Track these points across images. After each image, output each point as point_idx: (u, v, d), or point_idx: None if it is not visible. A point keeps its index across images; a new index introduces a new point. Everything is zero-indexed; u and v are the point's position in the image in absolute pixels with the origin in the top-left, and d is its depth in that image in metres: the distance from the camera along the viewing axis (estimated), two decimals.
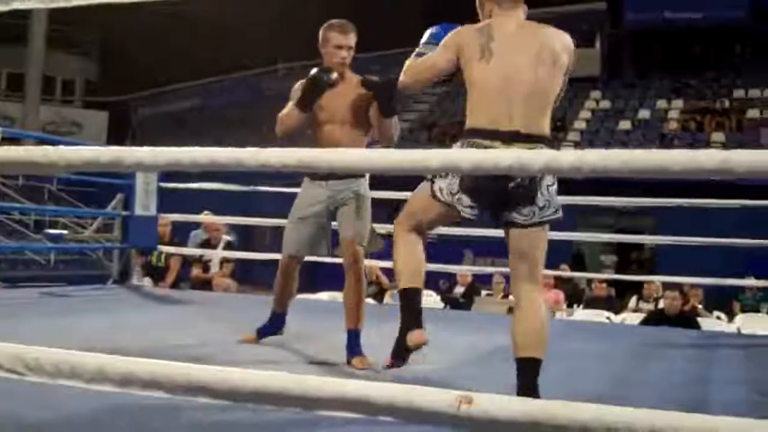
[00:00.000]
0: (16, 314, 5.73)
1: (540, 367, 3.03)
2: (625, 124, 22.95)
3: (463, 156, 1.38)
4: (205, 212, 9.24)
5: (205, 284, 9.31)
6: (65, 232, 11.06)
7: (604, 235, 13.27)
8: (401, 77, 3.39)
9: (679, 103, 23.25)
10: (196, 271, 9.58)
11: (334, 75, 4.09)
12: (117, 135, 26.62)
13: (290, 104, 4.25)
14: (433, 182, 3.19)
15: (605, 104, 24.48)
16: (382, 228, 4.62)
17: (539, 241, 3.15)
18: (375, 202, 4.45)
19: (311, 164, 1.52)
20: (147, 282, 8.95)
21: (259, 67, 27.19)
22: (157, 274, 9.36)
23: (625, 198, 7.72)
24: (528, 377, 2.99)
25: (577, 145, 22.34)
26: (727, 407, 3.56)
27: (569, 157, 1.30)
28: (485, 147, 3.03)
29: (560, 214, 3.18)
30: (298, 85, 4.30)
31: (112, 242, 8.78)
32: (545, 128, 3.19)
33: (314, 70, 4.09)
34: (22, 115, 25.39)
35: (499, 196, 3.07)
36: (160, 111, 28.81)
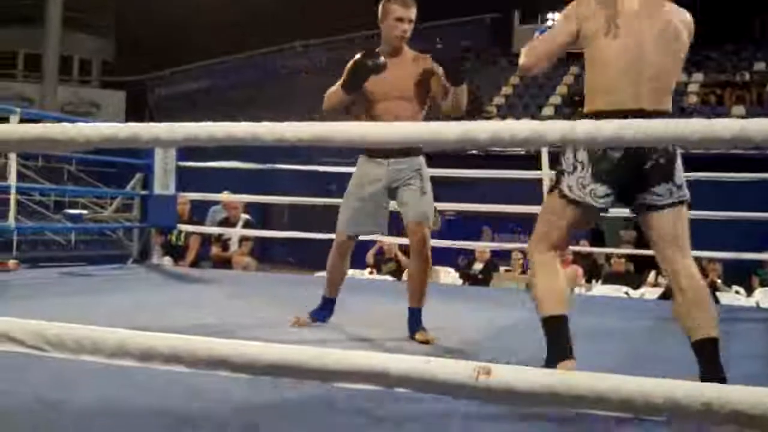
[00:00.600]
0: (36, 294, 5.79)
1: (718, 345, 2.89)
2: None
3: (478, 127, 1.38)
4: (225, 191, 9.27)
5: (225, 263, 9.35)
6: (85, 212, 11.13)
7: (623, 210, 13.22)
8: (521, 60, 3.17)
9: (699, 77, 23.08)
10: (215, 250, 9.62)
11: (381, 59, 4.04)
12: (134, 115, 26.67)
13: (338, 83, 4.21)
14: (559, 184, 3.03)
15: None
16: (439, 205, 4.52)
17: (679, 220, 2.99)
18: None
19: (326, 138, 1.52)
20: (167, 261, 9.00)
21: (274, 45, 27.15)
22: (176, 253, 9.40)
23: None
24: (707, 359, 2.86)
25: None
26: (744, 379, 3.55)
27: (586, 126, 1.30)
28: None
29: (688, 197, 3.02)
30: (351, 62, 4.17)
31: (131, 222, 8.83)
32: (669, 106, 3.03)
33: (359, 54, 4.07)
34: (40, 96, 25.45)
35: (634, 176, 2.92)
36: (176, 91, 28.84)
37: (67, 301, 5.33)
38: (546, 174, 7.10)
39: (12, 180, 7.15)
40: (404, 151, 4.20)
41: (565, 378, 1.28)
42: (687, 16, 3.08)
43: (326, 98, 4.27)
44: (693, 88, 22.68)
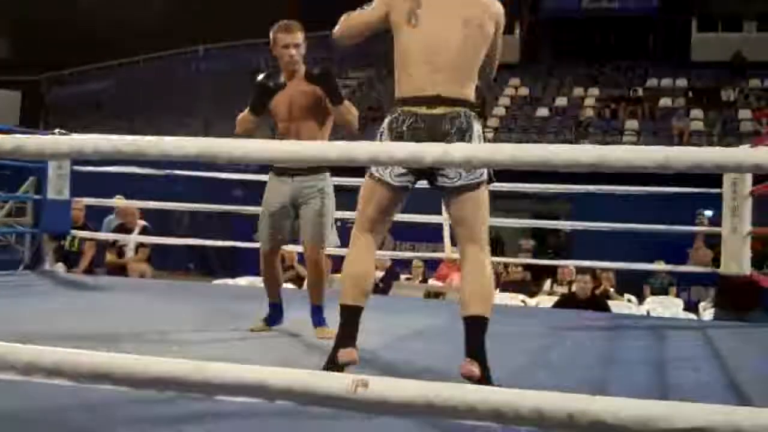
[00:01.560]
0: None
1: (487, 324, 3.11)
2: (542, 111, 23.28)
3: (359, 147, 1.42)
4: (118, 196, 9.14)
5: (120, 270, 9.21)
6: None
7: (520, 220, 13.45)
8: (335, 29, 3.40)
9: (595, 91, 23.67)
10: (110, 257, 9.47)
11: (281, 79, 4.31)
12: (30, 116, 26.00)
13: (246, 110, 4.43)
14: (370, 167, 3.19)
15: (524, 91, 24.79)
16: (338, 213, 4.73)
17: (474, 202, 3.17)
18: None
19: (211, 154, 1.55)
20: (60, 267, 8.81)
21: (176, 48, 26.87)
22: (70, 259, 9.22)
23: (542, 184, 7.88)
24: (474, 335, 3.09)
25: (497, 131, 22.60)
26: (630, 386, 3.68)
27: (461, 152, 1.35)
28: (412, 113, 3.12)
29: (485, 177, 3.17)
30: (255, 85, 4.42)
31: (23, 226, 8.63)
32: (469, 93, 3.20)
33: (261, 76, 4.34)
34: None
35: None
36: (75, 92, 28.22)
37: None
38: None
39: None
40: (308, 169, 4.41)
41: (439, 389, 1.33)
42: (497, 8, 3.28)
43: (238, 123, 4.46)
44: (589, 102, 23.25)
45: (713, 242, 9.06)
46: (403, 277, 11.24)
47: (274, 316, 4.79)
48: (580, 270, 9.35)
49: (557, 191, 9.74)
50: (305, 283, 10.64)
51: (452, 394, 1.33)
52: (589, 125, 21.77)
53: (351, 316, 3.18)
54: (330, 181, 4.55)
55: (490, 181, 3.22)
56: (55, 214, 7.86)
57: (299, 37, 4.43)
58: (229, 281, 9.73)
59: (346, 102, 4.34)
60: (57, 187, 7.74)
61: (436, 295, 9.38)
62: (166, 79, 25.63)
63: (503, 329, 5.60)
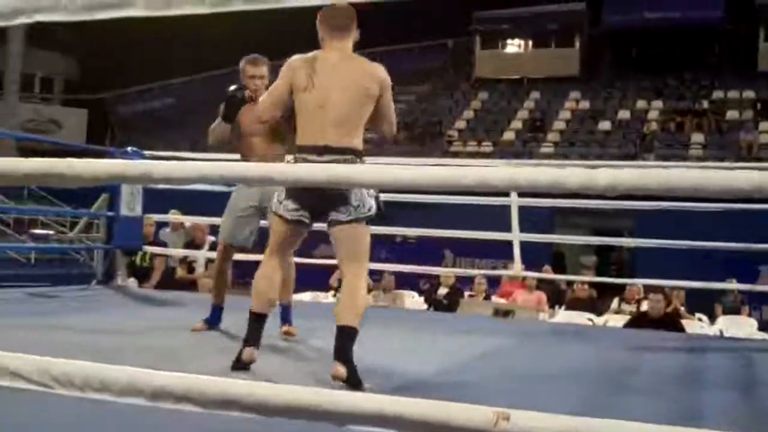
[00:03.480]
0: (7, 314, 5.71)
1: (354, 335, 3.61)
2: (604, 125, 23.06)
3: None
4: (173, 211, 9.22)
5: (190, 285, 9.27)
6: (51, 232, 11.01)
7: (584, 237, 13.35)
8: (257, 108, 4.11)
9: (658, 104, 23.40)
10: (180, 272, 9.55)
11: (247, 92, 4.99)
12: (96, 133, 26.47)
13: (218, 119, 5.11)
14: (278, 209, 3.83)
15: (584, 104, 24.58)
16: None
17: (357, 234, 3.74)
18: None
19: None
20: (132, 282, 8.90)
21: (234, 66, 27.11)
22: (141, 274, 9.31)
23: (606, 201, 7.75)
24: (344, 342, 3.57)
25: (557, 145, 22.45)
26: (721, 410, 3.60)
27: (605, 179, 1.32)
28: (306, 160, 3.69)
29: (373, 212, 3.75)
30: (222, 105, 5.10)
31: (96, 242, 8.73)
32: (355, 143, 3.76)
33: (231, 88, 5.07)
34: (1, 113, 25.20)
35: (320, 198, 3.69)
36: (138, 109, 28.67)
37: (39, 322, 5.25)
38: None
39: None
40: None
41: (588, 424, 1.29)
42: (378, 71, 3.83)
43: (210, 133, 5.17)
44: (653, 115, 22.96)
45: None
46: (467, 293, 11.18)
47: (215, 316, 5.32)
48: (651, 288, 9.21)
49: (619, 207, 9.57)
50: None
51: (602, 428, 1.29)
52: (653, 139, 21.50)
53: (257, 321, 3.84)
54: None
55: (377, 216, 3.81)
56: (128, 231, 7.94)
57: (264, 69, 5.09)
58: (295, 296, 9.74)
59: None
60: (129, 204, 7.82)
61: (504, 313, 9.30)
62: (224, 96, 25.88)
63: (579, 349, 5.58)
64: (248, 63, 5.14)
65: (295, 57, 3.86)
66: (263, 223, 5.06)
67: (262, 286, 3.88)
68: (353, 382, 3.49)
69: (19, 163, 1.71)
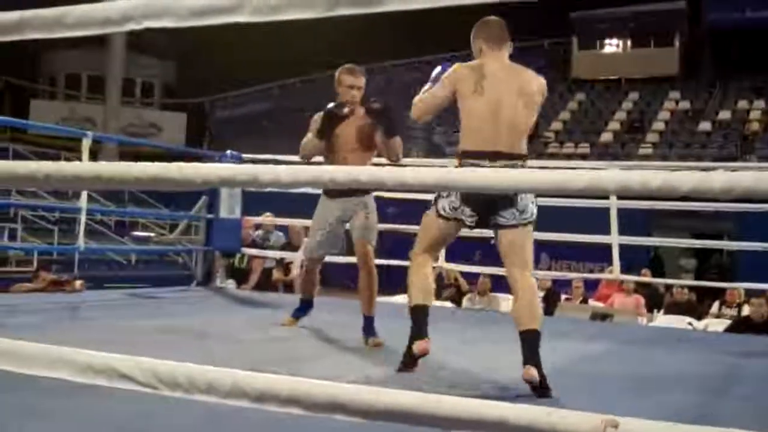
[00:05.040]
0: (107, 316, 5.86)
1: (539, 337, 3.68)
2: (705, 126, 22.53)
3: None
4: (267, 214, 9.31)
5: (287, 286, 9.39)
6: (152, 234, 11.26)
7: (685, 240, 13.07)
8: (412, 112, 4.13)
9: (760, 104, 22.76)
10: (277, 274, 9.67)
11: (347, 109, 4.94)
12: (195, 136, 26.99)
13: (309, 134, 5.12)
14: (436, 205, 3.93)
15: (684, 105, 24.06)
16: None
17: (522, 238, 3.85)
18: None
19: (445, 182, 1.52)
20: (230, 284, 9.05)
21: (331, 71, 27.34)
22: (239, 275, 9.46)
23: (703, 202, 7.52)
24: (530, 346, 3.65)
25: (656, 146, 22.02)
26: None
27: (720, 182, 1.29)
28: (480, 165, 3.69)
29: (535, 218, 3.88)
30: (317, 116, 5.13)
31: (195, 244, 8.90)
32: (522, 149, 3.91)
33: (330, 105, 4.99)
34: (103, 118, 25.88)
35: (488, 201, 3.80)
36: (236, 113, 29.14)
37: (143, 324, 5.38)
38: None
39: (83, 202, 7.27)
40: (354, 191, 4.98)
41: None
42: (542, 81, 4.03)
43: (302, 148, 5.17)
44: (755, 115, 22.35)
45: None
46: (563, 296, 11.05)
47: (303, 309, 5.64)
48: (753, 292, 8.98)
49: (719, 209, 9.29)
50: (464, 299, 10.68)
51: None
52: (755, 139, 20.94)
53: (419, 314, 3.88)
54: (372, 199, 5.20)
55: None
56: (227, 233, 8.08)
57: (362, 80, 5.10)
58: (389, 299, 9.77)
59: (398, 136, 4.99)
60: (229, 207, 7.95)
61: (602, 317, 9.16)
62: (319, 101, 26.12)
63: (680, 354, 5.46)
64: (347, 73, 5.12)
65: (460, 65, 3.98)
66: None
67: (419, 280, 3.96)
68: (544, 386, 3.59)
69: (130, 168, 1.75)
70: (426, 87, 4.11)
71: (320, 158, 5.26)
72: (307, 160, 5.19)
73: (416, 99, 4.10)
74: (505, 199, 3.78)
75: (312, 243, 5.37)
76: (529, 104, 3.91)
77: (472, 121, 3.85)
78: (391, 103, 5.03)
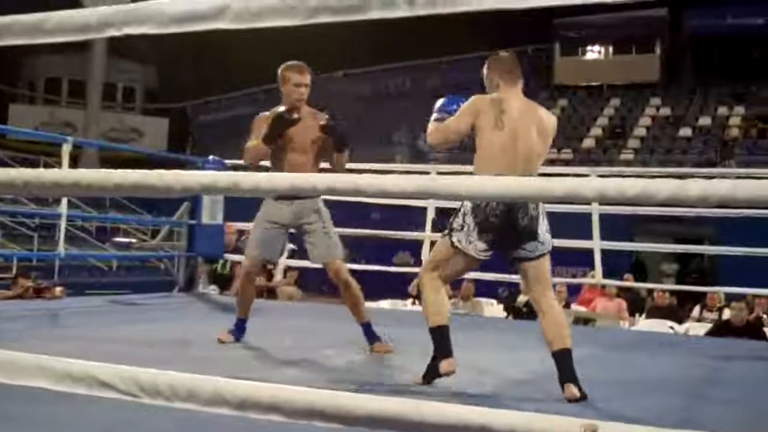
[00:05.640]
0: (88, 323, 5.83)
1: (571, 354, 3.79)
2: (685, 131, 22.65)
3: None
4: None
5: (269, 292, 9.37)
6: (134, 240, 11.22)
7: (667, 245, 13.14)
8: (429, 139, 4.27)
9: (740, 110, 22.89)
10: (260, 280, 9.64)
11: (296, 115, 4.75)
12: (177, 142, 26.89)
13: (254, 140, 4.88)
14: (451, 236, 3.98)
15: (665, 111, 24.19)
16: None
17: (545, 266, 4.00)
18: None
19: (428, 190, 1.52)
20: (213, 290, 9.02)
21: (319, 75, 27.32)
22: (222, 281, 9.43)
23: (688, 208, 7.58)
24: (565, 365, 3.77)
25: (637, 152, 22.13)
26: None
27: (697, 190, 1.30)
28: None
29: (551, 247, 4.00)
30: (259, 119, 5.02)
31: (177, 250, 8.87)
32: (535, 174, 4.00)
33: (279, 110, 4.81)
34: (84, 123, 25.78)
35: (510, 235, 3.90)
36: (219, 118, 29.06)
37: (124, 331, 5.36)
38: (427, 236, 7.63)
39: (63, 208, 7.23)
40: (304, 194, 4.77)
41: None
42: (553, 119, 4.19)
43: (246, 152, 4.95)
44: (734, 121, 22.48)
45: None
46: None
47: (240, 328, 5.13)
48: (734, 296, 9.03)
49: (701, 214, 9.35)
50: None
51: None
52: (734, 145, 21.07)
53: (441, 334, 3.94)
54: (322, 202, 5.02)
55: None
56: (210, 239, 8.04)
57: (308, 78, 4.94)
58: (373, 304, 9.78)
59: (347, 150, 4.87)
60: (211, 213, 7.92)
61: (585, 321, 9.19)
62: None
63: (661, 358, 5.48)
64: (293, 70, 4.97)
65: (480, 97, 4.10)
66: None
67: (436, 302, 4.02)
68: (584, 399, 3.71)
69: (111, 175, 1.75)
70: (434, 116, 4.21)
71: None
72: (252, 166, 4.99)
73: (431, 128, 4.20)
74: (528, 233, 3.90)
75: (251, 241, 5.10)
76: (545, 139, 4.07)
77: (490, 152, 3.96)
78: (339, 116, 4.91)
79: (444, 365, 3.88)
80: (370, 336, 4.95)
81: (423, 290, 4.07)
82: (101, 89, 26.61)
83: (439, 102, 4.27)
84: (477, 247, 3.94)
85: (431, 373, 3.94)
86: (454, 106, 4.17)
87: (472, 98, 4.12)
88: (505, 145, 3.93)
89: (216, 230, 8.08)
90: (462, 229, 3.94)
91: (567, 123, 25.06)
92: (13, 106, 27.87)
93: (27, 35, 1.79)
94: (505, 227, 3.88)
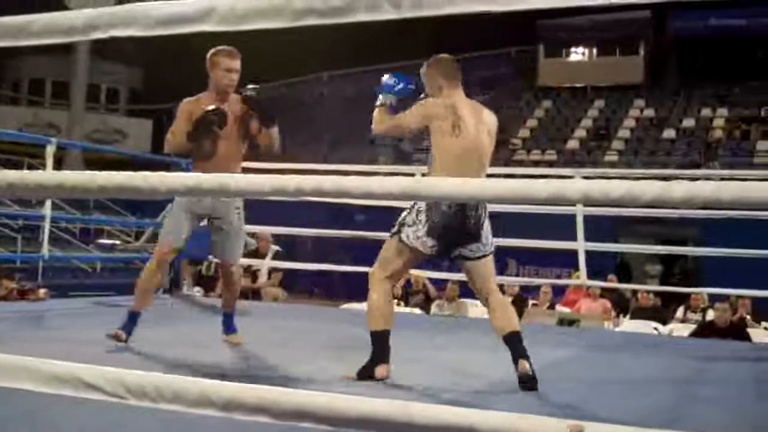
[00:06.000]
0: (72, 326, 5.81)
1: (520, 335, 3.98)
2: (669, 133, 22.74)
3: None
4: None
5: (254, 293, 9.35)
6: (117, 242, 11.18)
7: (651, 246, 13.17)
8: (374, 126, 4.32)
9: (724, 112, 23.01)
10: (244, 281, 9.61)
11: (224, 116, 4.63)
12: (161, 143, 26.74)
13: (177, 134, 4.76)
14: (400, 232, 4.09)
15: (649, 113, 24.28)
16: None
17: (489, 266, 4.16)
18: None
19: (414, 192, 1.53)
20: (197, 291, 9.00)
21: (301, 76, 27.31)
22: (206, 283, 9.41)
23: (672, 209, 7.61)
24: (517, 345, 3.94)
25: (621, 154, 22.20)
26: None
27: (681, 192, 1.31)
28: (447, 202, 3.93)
29: (494, 248, 4.18)
30: (184, 104, 4.85)
31: None
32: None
33: (208, 111, 4.63)
34: (68, 124, 25.68)
35: (458, 236, 4.04)
36: None
37: (108, 332, 5.33)
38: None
39: (47, 209, 7.20)
40: None
41: None
42: (494, 117, 4.30)
43: (167, 143, 4.88)
44: (718, 123, 22.59)
45: None
46: (531, 301, 11.08)
47: (132, 319, 4.81)
48: (717, 297, 9.07)
49: (685, 215, 9.38)
50: (432, 305, 10.68)
51: None
52: (718, 147, 21.17)
53: (383, 339, 4.03)
54: (242, 201, 4.97)
55: None
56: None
57: (238, 63, 4.80)
58: (357, 305, 9.77)
59: (276, 126, 4.78)
60: None
61: (570, 322, 9.21)
62: (292, 104, 26.05)
63: (645, 359, 5.50)
64: (224, 55, 4.80)
65: (433, 101, 4.17)
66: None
67: (383, 306, 4.10)
68: (534, 376, 3.89)
69: (95, 177, 1.74)
70: (379, 99, 4.26)
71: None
72: (175, 153, 5.15)
73: (378, 116, 4.27)
74: (472, 234, 4.06)
75: (167, 234, 5.00)
76: (492, 140, 4.23)
77: (448, 156, 4.04)
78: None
79: (380, 370, 3.97)
80: (229, 326, 5.12)
81: (371, 291, 4.12)
82: (85, 90, 26.55)
83: (384, 79, 4.29)
84: (426, 243, 4.05)
85: (365, 374, 3.99)
86: (401, 86, 4.24)
87: (425, 102, 4.19)
88: (464, 150, 4.05)
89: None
90: (413, 224, 4.05)
91: (551, 124, 25.16)
92: None
93: (12, 37, 1.78)
94: (455, 226, 4.01)
